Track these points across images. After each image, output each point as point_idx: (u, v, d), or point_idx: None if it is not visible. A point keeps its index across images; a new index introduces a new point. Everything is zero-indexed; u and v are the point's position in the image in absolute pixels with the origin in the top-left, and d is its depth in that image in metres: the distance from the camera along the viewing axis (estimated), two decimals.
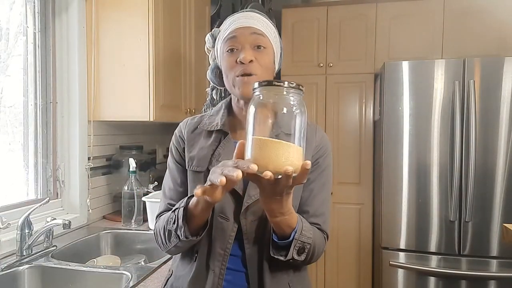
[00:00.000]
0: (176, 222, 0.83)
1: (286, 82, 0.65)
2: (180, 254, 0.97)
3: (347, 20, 2.62)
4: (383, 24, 2.56)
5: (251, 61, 0.86)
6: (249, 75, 0.86)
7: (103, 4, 1.77)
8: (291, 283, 0.92)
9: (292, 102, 0.66)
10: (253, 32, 0.88)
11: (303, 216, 0.91)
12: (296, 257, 0.82)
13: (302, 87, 0.66)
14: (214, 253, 0.88)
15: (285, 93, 0.66)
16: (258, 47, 0.88)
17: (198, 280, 0.89)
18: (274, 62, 0.95)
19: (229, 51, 0.89)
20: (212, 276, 0.87)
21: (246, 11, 0.92)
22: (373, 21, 2.57)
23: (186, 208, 0.82)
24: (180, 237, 0.83)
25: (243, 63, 0.86)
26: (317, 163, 0.93)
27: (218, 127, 0.93)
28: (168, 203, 0.96)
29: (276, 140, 0.64)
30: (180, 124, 1.02)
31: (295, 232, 0.80)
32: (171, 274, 0.98)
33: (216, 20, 2.79)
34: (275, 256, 0.83)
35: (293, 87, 0.65)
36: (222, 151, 0.90)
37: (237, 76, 0.87)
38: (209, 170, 0.85)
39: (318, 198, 0.93)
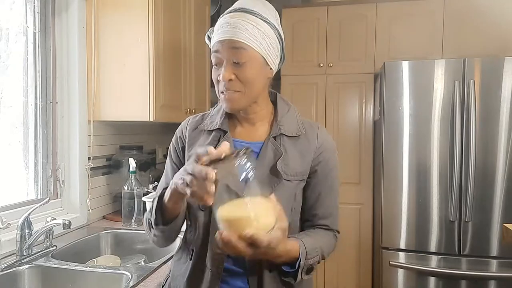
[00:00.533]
0: (151, 212, 0.88)
1: (232, 155, 0.68)
2: (177, 253, 0.98)
3: (347, 20, 2.61)
4: (383, 24, 2.55)
5: (230, 79, 0.85)
6: (231, 92, 0.86)
7: (103, 4, 1.77)
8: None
9: (244, 165, 0.70)
10: (232, 46, 0.84)
11: (311, 219, 0.93)
12: (305, 277, 0.85)
13: (248, 149, 0.69)
14: (213, 253, 0.88)
15: (236, 164, 0.69)
16: (237, 61, 0.84)
17: (195, 280, 0.89)
18: (269, 64, 0.89)
19: (215, 65, 0.89)
20: (210, 275, 0.87)
21: (234, 12, 0.87)
22: (373, 21, 2.57)
23: (160, 197, 0.86)
24: (153, 225, 0.88)
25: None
26: (319, 164, 0.93)
27: (217, 126, 0.94)
28: None
29: (234, 212, 0.70)
30: (182, 123, 1.02)
31: (299, 261, 0.82)
32: (169, 275, 0.99)
33: (216, 20, 2.79)
34: (286, 279, 0.86)
35: (237, 156, 0.68)
36: None
37: (221, 93, 0.88)
38: None
39: (326, 201, 0.94)
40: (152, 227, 0.89)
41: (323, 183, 0.93)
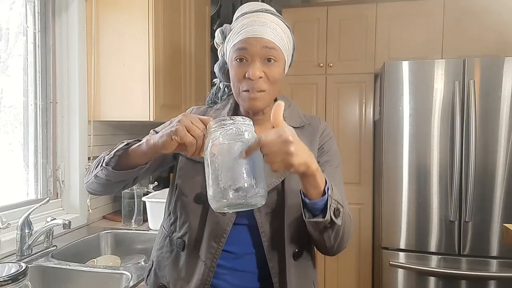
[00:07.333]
0: (111, 150, 0.90)
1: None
2: (158, 243, 0.97)
3: (347, 20, 2.61)
4: (383, 24, 2.55)
5: (260, 77, 0.85)
6: (257, 91, 0.86)
7: (103, 4, 1.77)
8: (315, 281, 0.93)
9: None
10: (265, 45, 0.85)
11: None
12: (334, 218, 0.75)
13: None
14: (208, 245, 0.87)
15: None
16: (269, 60, 0.86)
17: (187, 270, 0.89)
18: (286, 66, 0.93)
19: (238, 60, 0.87)
20: (203, 267, 0.86)
21: (259, 11, 0.88)
22: (373, 21, 2.57)
23: (128, 146, 0.88)
24: (102, 163, 0.88)
25: (251, 79, 0.85)
26: (322, 149, 0.97)
27: None
28: None
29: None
30: (186, 112, 1.02)
31: (327, 188, 0.75)
32: (152, 264, 0.98)
33: (216, 20, 2.79)
34: (313, 220, 0.76)
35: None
36: None
37: (244, 91, 0.87)
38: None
39: (331, 173, 0.94)
40: (101, 165, 0.88)
41: (329, 154, 0.97)
